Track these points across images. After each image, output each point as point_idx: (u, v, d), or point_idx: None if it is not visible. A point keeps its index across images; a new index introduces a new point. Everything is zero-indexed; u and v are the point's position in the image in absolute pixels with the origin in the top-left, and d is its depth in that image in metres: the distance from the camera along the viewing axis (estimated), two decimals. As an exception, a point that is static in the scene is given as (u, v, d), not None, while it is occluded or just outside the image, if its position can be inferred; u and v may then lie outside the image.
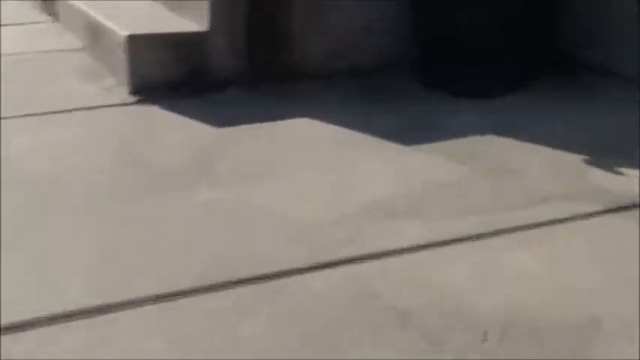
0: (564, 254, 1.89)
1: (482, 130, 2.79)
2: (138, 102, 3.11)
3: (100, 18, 3.59)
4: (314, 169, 2.41)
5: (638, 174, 2.35)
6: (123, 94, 3.18)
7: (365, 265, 1.82)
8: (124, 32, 3.21)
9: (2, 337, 1.56)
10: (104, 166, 2.44)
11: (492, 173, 2.39)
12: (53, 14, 4.94)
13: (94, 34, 3.69)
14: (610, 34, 3.46)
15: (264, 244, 1.94)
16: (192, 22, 3.37)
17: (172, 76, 3.24)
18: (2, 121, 2.82)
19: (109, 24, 3.43)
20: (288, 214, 2.08)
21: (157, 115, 2.97)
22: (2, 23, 4.55)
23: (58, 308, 1.66)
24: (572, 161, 2.49)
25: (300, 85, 3.36)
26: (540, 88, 3.38)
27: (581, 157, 2.52)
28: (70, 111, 2.99)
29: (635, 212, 2.10)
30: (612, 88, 3.43)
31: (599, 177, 2.36)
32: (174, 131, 2.78)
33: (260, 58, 3.38)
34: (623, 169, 2.40)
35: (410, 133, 2.79)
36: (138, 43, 3.18)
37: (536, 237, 1.97)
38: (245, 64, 3.35)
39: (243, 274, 1.78)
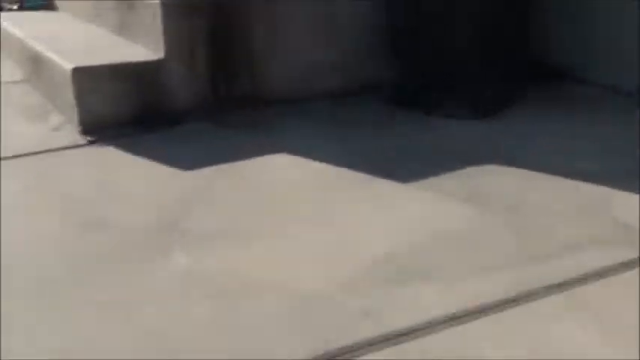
0: (616, 319, 1.61)
1: (479, 158, 2.51)
2: (90, 143, 2.76)
3: (40, 48, 3.23)
4: (304, 222, 2.09)
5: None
6: (73, 134, 2.83)
7: (385, 352, 1.51)
8: (68, 64, 2.86)
9: None
10: (54, 231, 2.08)
11: (507, 214, 2.10)
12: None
13: (36, 65, 3.33)
14: (592, 43, 3.24)
15: (265, 333, 1.61)
16: (145, 48, 3.03)
17: (127, 110, 2.90)
18: None
19: (52, 55, 3.06)
20: (286, 285, 1.76)
21: (112, 158, 2.62)
22: None
23: None
24: (590, 192, 2.23)
25: (268, 113, 3.05)
26: (529, 104, 3.13)
27: (599, 186, 2.26)
28: (11, 158, 2.62)
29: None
30: (598, 99, 3.19)
31: (624, 210, 2.10)
32: (134, 179, 2.44)
33: (223, 86, 3.05)
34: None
35: (400, 164, 2.50)
36: (85, 76, 2.83)
37: (577, 298, 1.69)
38: (206, 93, 3.03)
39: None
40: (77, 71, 2.81)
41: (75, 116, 2.85)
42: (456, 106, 2.96)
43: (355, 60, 3.26)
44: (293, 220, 2.10)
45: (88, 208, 2.21)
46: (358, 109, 3.12)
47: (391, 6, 3.06)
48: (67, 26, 3.75)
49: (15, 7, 4.52)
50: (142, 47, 3.05)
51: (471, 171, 2.42)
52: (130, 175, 2.47)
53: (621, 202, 2.17)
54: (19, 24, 3.90)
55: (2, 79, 3.58)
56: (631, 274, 1.78)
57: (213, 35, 2.99)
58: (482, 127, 2.87)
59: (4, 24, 3.99)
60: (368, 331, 1.56)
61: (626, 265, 1.82)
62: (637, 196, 2.20)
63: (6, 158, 2.62)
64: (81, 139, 2.78)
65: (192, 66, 2.98)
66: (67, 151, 2.68)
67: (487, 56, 2.98)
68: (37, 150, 2.68)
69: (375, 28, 3.22)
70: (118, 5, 3.30)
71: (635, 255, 1.86)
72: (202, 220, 2.11)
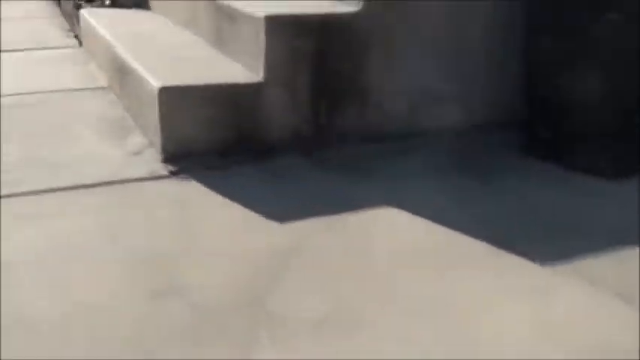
0: None
1: (631, 233, 2.06)
2: (172, 174, 2.41)
3: (127, 56, 2.90)
4: (420, 307, 1.69)
5: None
6: (153, 161, 2.48)
7: None
8: (156, 82, 2.51)
9: None
10: (114, 298, 1.73)
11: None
12: (77, 37, 4.28)
13: (121, 74, 3.00)
14: None
15: None
16: (243, 67, 2.67)
17: (216, 138, 2.54)
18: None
19: (139, 67, 2.73)
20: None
21: (195, 197, 2.26)
22: (13, 48, 3.89)
23: None
24: None
25: (375, 151, 2.65)
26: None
27: None
28: (79, 187, 2.29)
29: None
30: None
31: None
32: (217, 229, 2.07)
33: (325, 116, 2.66)
34: None
35: (532, 234, 2.07)
36: (173, 97, 2.48)
37: None
38: (307, 124, 2.64)
39: None
40: (165, 91, 2.46)
41: (158, 140, 2.50)
42: (601, 161, 2.50)
43: (483, 93, 2.83)
44: (406, 303, 1.69)
45: (158, 268, 1.85)
46: (482, 152, 2.69)
47: (537, 36, 2.61)
48: (160, 30, 3.42)
49: (107, 1, 4.23)
50: (239, 65, 2.69)
51: (626, 254, 1.98)
52: (214, 224, 2.10)
53: None
54: (107, 22, 3.59)
55: (84, 85, 3.28)
56: None
57: (321, 57, 2.60)
58: (630, 189, 2.40)
59: (92, 21, 3.69)
60: None
61: None
62: None
63: (71, 188, 2.29)
64: (162, 169, 2.43)
65: (294, 92, 2.60)
66: (145, 184, 2.34)
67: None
68: (110, 179, 2.34)
69: (511, 58, 2.78)
70: (216, 14, 2.95)
71: None
72: (293, 298, 1.73)
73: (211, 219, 2.13)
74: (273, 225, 2.09)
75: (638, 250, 1.98)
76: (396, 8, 2.65)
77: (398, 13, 2.66)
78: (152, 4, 3.99)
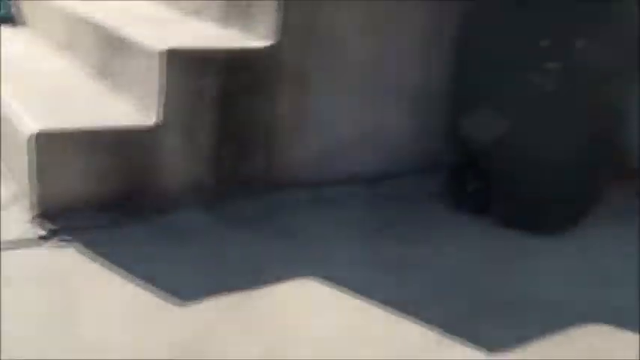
0: None
1: (578, 307, 1.83)
2: (46, 237, 2.02)
3: (-5, 89, 2.47)
4: None
5: None
6: (25, 219, 2.08)
7: None
8: (29, 124, 2.11)
9: None
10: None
11: None
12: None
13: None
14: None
15: None
16: (134, 108, 2.30)
17: (103, 191, 2.17)
18: None
19: (7, 103, 2.31)
20: None
21: (75, 270, 1.89)
22: None
23: None
24: None
25: (288, 203, 2.33)
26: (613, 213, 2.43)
27: None
28: None
29: None
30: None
31: None
32: (103, 316, 1.70)
33: (230, 163, 2.33)
34: None
35: (476, 313, 1.80)
36: (51, 143, 2.09)
37: None
38: (208, 172, 2.30)
39: None
40: (40, 136, 2.07)
41: (31, 193, 2.10)
42: (536, 215, 2.27)
43: (402, 137, 2.56)
44: None
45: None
46: (406, 203, 2.42)
47: (463, 75, 2.34)
48: (34, 55, 2.99)
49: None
50: (130, 105, 2.32)
51: (576, 332, 1.74)
52: (96, 309, 1.73)
53: None
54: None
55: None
56: None
57: (226, 97, 2.27)
58: (570, 248, 2.18)
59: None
60: None
61: None
62: None
63: None
64: (34, 229, 2.03)
65: (194, 137, 2.25)
66: (9, 253, 1.93)
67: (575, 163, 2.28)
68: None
69: (434, 100, 2.52)
70: (101, 42, 2.56)
71: None
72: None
73: (93, 301, 1.75)
74: (170, 308, 1.74)
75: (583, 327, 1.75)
76: (310, 44, 2.35)
77: (313, 49, 2.36)
78: (28, 18, 3.53)
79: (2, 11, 3.64)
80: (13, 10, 3.63)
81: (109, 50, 2.51)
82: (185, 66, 2.20)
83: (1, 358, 1.35)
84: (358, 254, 2.07)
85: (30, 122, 2.12)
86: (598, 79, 2.17)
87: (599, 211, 2.35)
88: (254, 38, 2.35)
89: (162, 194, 2.23)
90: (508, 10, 2.19)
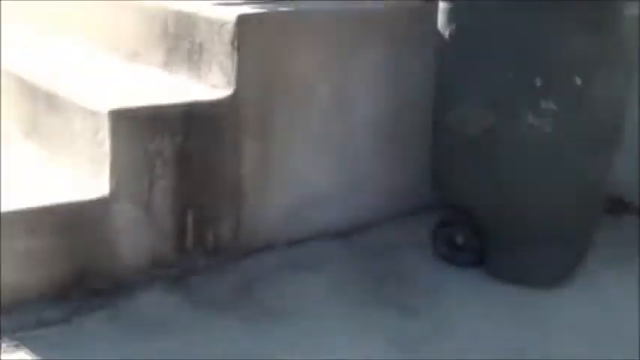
0: None
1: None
2: (-11, 343, 1.70)
3: None
4: None
5: None
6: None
7: None
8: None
9: None
10: None
11: None
12: None
13: None
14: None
15: None
16: (76, 176, 2.00)
17: (48, 277, 1.86)
18: None
19: None
20: None
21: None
22: None
23: None
24: None
25: (257, 271, 2.07)
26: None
27: None
28: None
29: None
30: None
31: None
32: None
33: (193, 232, 2.05)
34: None
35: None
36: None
37: None
38: (171, 246, 2.02)
39: None
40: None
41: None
42: (531, 267, 2.06)
43: (384, 182, 2.33)
44: None
45: None
46: (390, 259, 2.19)
47: (447, 113, 2.10)
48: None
49: None
50: (69, 173, 2.01)
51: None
52: None
53: None
54: None
55: None
56: None
57: (185, 158, 1.99)
58: (579, 299, 1.99)
59: None
60: None
61: None
62: None
63: None
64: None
65: (151, 205, 1.96)
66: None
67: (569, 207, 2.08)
68: None
69: (415, 138, 2.30)
70: (27, 96, 2.24)
71: None
72: None
73: None
74: None
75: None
76: (272, 91, 2.10)
77: (275, 97, 2.10)
78: None
79: None
80: None
81: (38, 106, 2.19)
82: (135, 127, 1.91)
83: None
84: (357, 331, 1.82)
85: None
86: (596, 115, 1.98)
87: (599, 252, 2.16)
88: (206, 87, 2.08)
89: (118, 275, 1.94)
90: (495, 43, 1.96)
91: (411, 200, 2.35)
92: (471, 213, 2.09)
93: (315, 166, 2.21)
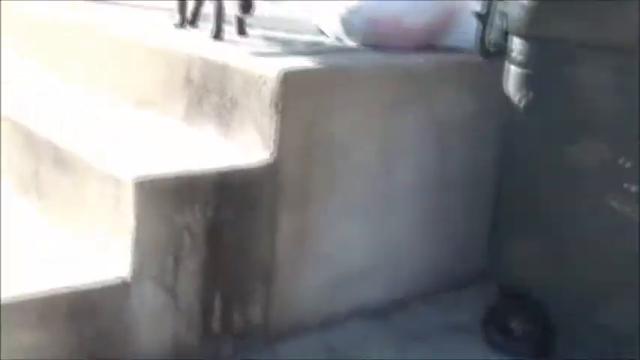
0: None
1: None
2: None
3: None
4: None
5: None
6: None
7: None
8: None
9: None
10: None
11: None
12: None
13: None
14: None
15: None
16: (90, 251, 1.74)
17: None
18: None
19: None
20: None
21: None
22: None
23: None
24: None
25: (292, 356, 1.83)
26: None
27: None
28: None
29: None
30: None
31: None
32: None
33: (222, 314, 1.80)
34: None
35: None
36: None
37: None
38: (195, 331, 1.77)
39: None
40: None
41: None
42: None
43: (425, 256, 2.10)
44: None
45: None
46: (435, 344, 1.94)
47: (509, 195, 1.87)
48: None
49: None
50: (82, 246, 1.75)
51: None
52: None
53: None
54: None
55: None
56: None
57: (213, 232, 1.74)
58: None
59: None
60: None
61: None
62: None
63: None
64: None
65: (176, 286, 1.71)
66: None
67: None
68: None
69: (458, 215, 2.08)
70: (30, 153, 1.97)
71: None
72: None
73: None
74: None
75: None
76: (310, 158, 1.85)
77: (313, 164, 1.86)
78: None
79: None
80: None
81: (43, 166, 1.93)
82: (162, 198, 1.66)
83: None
84: None
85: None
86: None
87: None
88: (236, 147, 1.84)
89: (138, 365, 1.68)
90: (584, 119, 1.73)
91: (454, 276, 2.12)
92: (532, 295, 1.86)
93: (354, 239, 1.97)
